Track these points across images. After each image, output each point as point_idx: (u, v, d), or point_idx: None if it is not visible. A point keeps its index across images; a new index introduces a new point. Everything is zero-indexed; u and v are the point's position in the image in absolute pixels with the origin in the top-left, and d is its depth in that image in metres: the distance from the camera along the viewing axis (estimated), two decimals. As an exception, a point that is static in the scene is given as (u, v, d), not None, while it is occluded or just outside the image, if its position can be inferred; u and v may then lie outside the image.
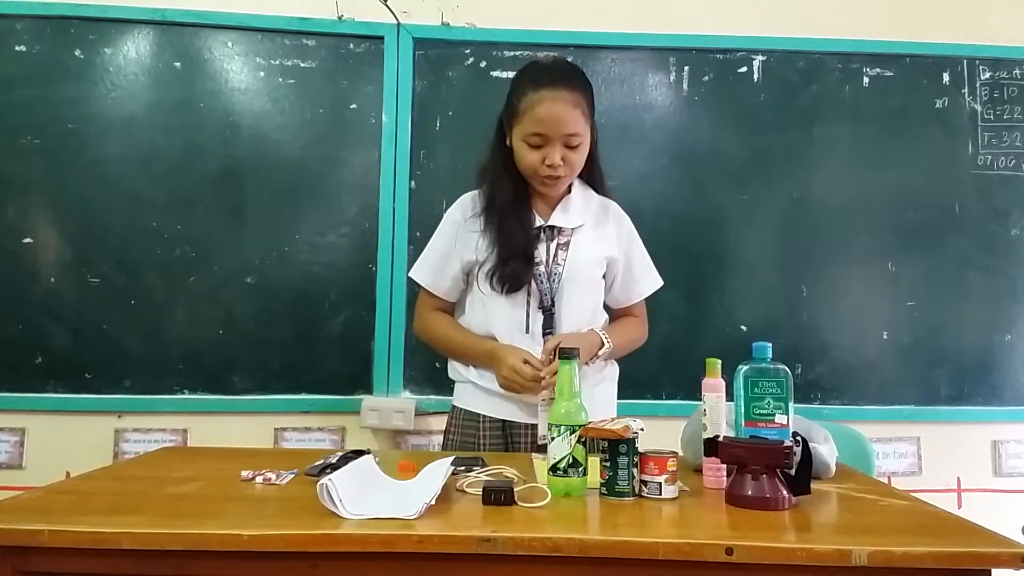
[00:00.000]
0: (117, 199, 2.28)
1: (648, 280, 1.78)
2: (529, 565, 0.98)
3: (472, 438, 1.66)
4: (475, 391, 1.67)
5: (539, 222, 1.66)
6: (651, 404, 2.28)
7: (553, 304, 1.62)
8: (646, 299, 1.80)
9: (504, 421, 1.65)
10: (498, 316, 1.63)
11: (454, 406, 1.74)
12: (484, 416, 1.65)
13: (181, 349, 2.27)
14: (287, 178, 2.32)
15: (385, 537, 0.98)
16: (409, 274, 1.79)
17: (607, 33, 2.39)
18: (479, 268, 1.64)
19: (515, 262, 1.60)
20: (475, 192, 1.70)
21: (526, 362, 1.52)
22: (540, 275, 1.62)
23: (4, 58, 2.28)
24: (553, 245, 1.64)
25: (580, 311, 1.66)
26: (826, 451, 1.35)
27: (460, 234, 1.67)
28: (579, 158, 1.60)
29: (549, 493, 1.16)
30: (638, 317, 1.80)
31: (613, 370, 1.76)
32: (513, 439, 1.64)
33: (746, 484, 1.15)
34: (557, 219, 1.66)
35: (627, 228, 1.75)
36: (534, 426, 1.59)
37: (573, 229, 1.66)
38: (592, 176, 1.72)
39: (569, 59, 2.34)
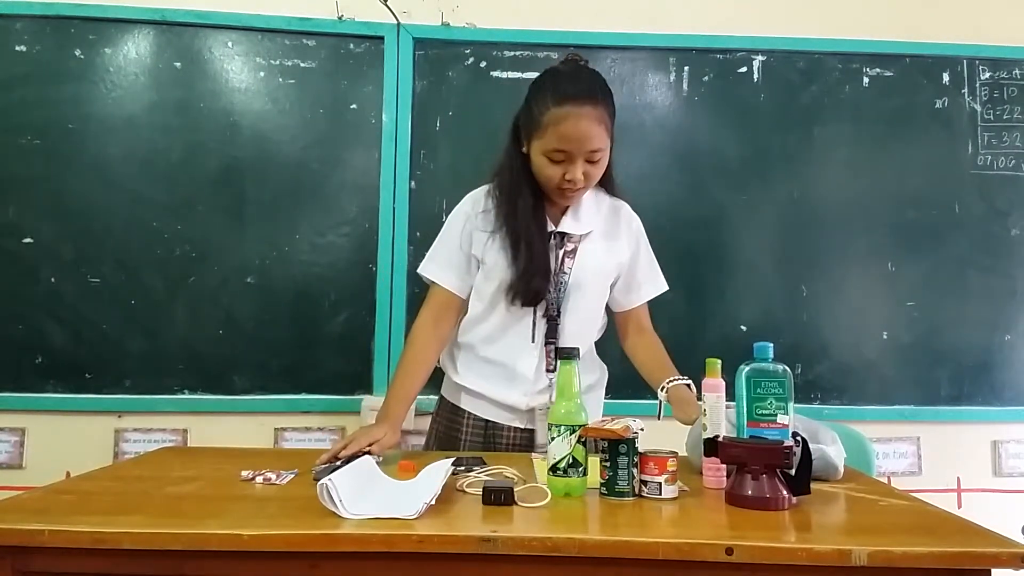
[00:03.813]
0: (117, 199, 2.28)
1: (652, 285, 1.72)
2: (529, 565, 0.98)
3: (457, 433, 1.67)
4: (464, 391, 1.68)
5: (549, 227, 1.61)
6: (651, 404, 2.25)
7: (559, 313, 1.60)
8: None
9: (487, 421, 1.65)
10: (505, 326, 1.61)
11: (442, 396, 1.75)
12: (468, 412, 1.66)
13: (181, 349, 2.27)
14: (287, 178, 2.32)
15: (385, 537, 0.98)
16: (418, 270, 1.71)
17: (607, 33, 2.39)
18: (495, 280, 1.59)
19: (538, 279, 1.56)
20: (487, 187, 1.64)
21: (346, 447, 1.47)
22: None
23: (4, 58, 2.28)
24: (560, 253, 1.61)
25: (582, 318, 1.64)
26: (834, 453, 1.35)
27: (469, 228, 1.63)
28: (599, 171, 1.54)
29: (549, 493, 1.17)
30: (648, 329, 1.73)
31: (602, 377, 1.74)
32: (496, 440, 1.65)
33: (746, 484, 1.15)
34: (567, 225, 1.61)
35: (636, 230, 1.70)
36: (515, 428, 1.63)
37: (581, 236, 1.62)
38: (604, 177, 1.65)
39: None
